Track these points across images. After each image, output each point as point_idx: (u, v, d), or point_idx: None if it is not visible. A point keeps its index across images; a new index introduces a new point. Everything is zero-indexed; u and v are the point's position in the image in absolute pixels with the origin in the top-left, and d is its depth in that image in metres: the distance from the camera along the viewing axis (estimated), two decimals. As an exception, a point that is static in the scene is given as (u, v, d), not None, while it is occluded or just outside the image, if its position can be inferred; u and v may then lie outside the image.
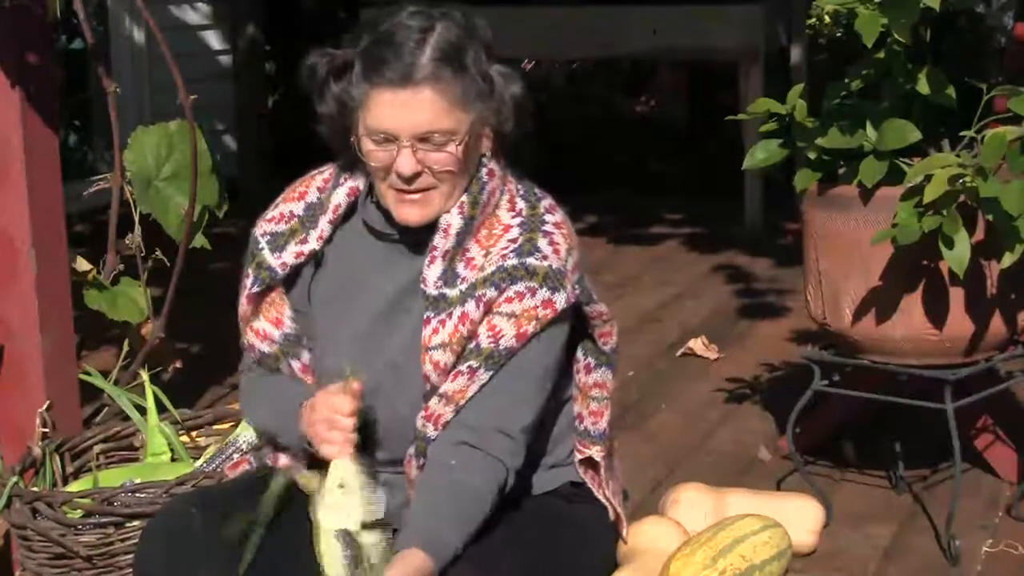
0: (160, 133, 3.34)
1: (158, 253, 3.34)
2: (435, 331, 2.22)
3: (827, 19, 7.32)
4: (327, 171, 2.39)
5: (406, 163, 2.19)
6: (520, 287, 2.21)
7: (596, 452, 2.38)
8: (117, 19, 7.22)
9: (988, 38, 7.04)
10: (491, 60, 2.26)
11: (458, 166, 2.22)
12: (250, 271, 2.35)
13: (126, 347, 3.40)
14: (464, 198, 2.26)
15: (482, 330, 2.21)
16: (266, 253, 2.33)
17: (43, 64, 3.03)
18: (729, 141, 6.18)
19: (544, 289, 2.21)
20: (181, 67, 3.21)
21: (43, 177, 3.05)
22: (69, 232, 3.17)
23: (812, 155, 3.05)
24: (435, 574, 2.08)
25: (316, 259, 2.35)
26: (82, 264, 3.34)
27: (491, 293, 2.20)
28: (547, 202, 2.33)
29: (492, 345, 2.20)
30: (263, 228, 2.36)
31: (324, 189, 2.35)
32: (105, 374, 3.27)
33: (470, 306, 2.20)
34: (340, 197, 2.33)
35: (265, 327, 2.36)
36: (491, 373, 2.20)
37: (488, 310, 2.21)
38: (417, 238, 2.28)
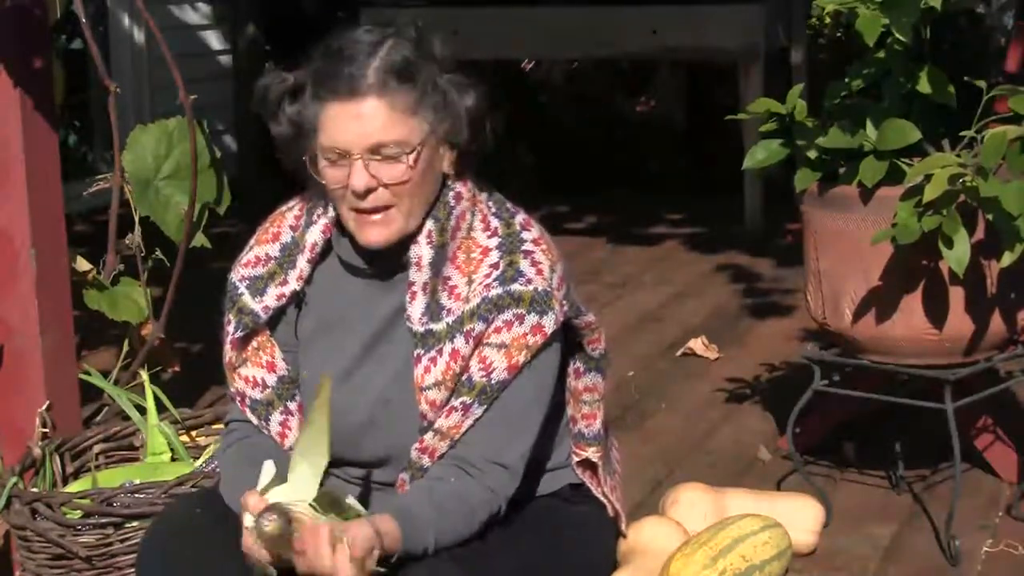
0: (159, 131, 3.34)
1: (158, 253, 3.34)
2: (427, 370, 2.20)
3: (827, 19, 7.32)
4: (295, 207, 2.35)
5: (359, 177, 2.16)
6: (508, 315, 2.18)
7: (592, 453, 2.37)
8: (117, 19, 7.22)
9: (988, 38, 7.05)
10: (445, 73, 2.22)
11: (413, 180, 2.18)
12: (231, 317, 2.31)
13: (126, 347, 3.40)
14: (431, 225, 2.22)
15: (473, 363, 2.19)
16: (246, 298, 2.30)
17: (43, 64, 3.03)
18: (729, 141, 6.18)
19: (532, 315, 2.19)
20: (181, 67, 3.21)
21: (43, 177, 3.05)
22: (69, 232, 3.17)
23: (812, 155, 3.05)
24: (402, 549, 2.06)
25: (298, 299, 2.32)
26: (82, 264, 3.34)
27: (479, 327, 2.18)
28: (521, 217, 2.29)
29: (484, 379, 2.18)
30: (240, 273, 2.32)
31: (297, 227, 2.32)
32: (105, 374, 3.27)
33: (459, 342, 2.18)
34: (315, 235, 2.30)
35: (255, 373, 2.31)
36: (484, 408, 2.19)
37: (478, 343, 2.19)
38: (392, 271, 2.26)
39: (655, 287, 5.52)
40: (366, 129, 2.15)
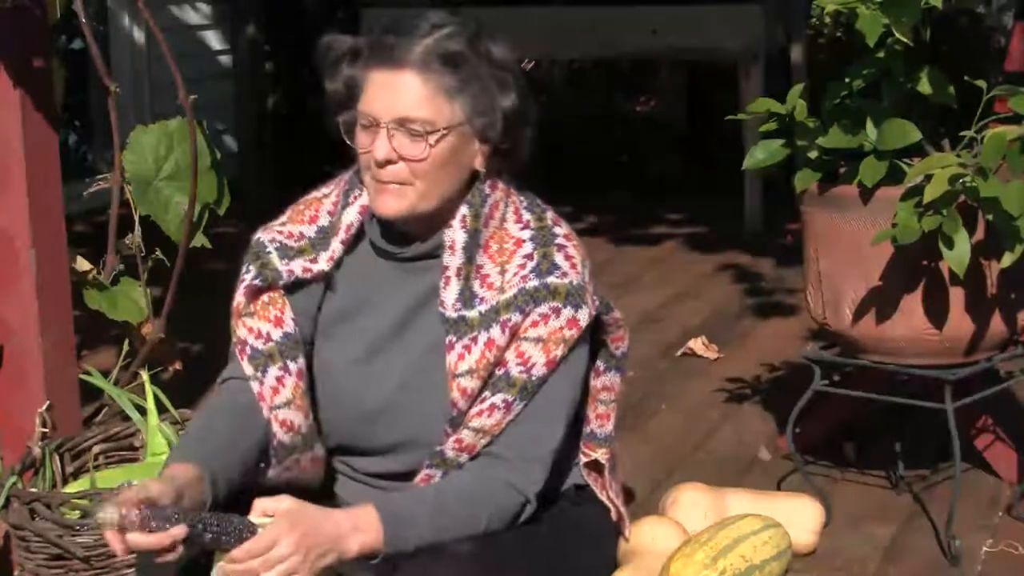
0: (159, 132, 3.33)
1: (158, 253, 3.34)
2: (461, 357, 2.20)
3: (827, 19, 7.32)
4: (332, 193, 2.37)
5: (380, 146, 2.19)
6: (544, 308, 2.20)
7: (602, 455, 2.38)
8: (117, 19, 7.22)
9: (988, 38, 7.04)
10: (494, 71, 2.24)
11: (431, 161, 2.19)
12: (252, 267, 2.31)
13: (126, 347, 3.39)
14: (465, 210, 2.24)
15: (511, 357, 2.20)
16: (274, 256, 2.30)
17: (43, 65, 3.03)
18: (729, 141, 6.18)
19: (568, 308, 2.20)
20: (181, 67, 3.21)
21: (43, 177, 3.05)
22: (69, 232, 3.17)
23: (812, 155, 3.05)
24: (385, 543, 2.06)
25: (326, 282, 2.33)
26: (82, 264, 3.33)
27: (516, 318, 2.19)
28: (551, 214, 2.33)
29: (524, 376, 2.19)
30: (272, 235, 2.33)
31: (334, 212, 2.34)
32: (105, 374, 3.27)
33: (495, 331, 2.19)
34: (352, 216, 2.31)
35: (261, 326, 2.30)
36: (525, 403, 2.20)
37: (514, 335, 2.20)
38: (421, 256, 2.27)
39: (655, 287, 5.52)
40: (398, 100, 2.19)
